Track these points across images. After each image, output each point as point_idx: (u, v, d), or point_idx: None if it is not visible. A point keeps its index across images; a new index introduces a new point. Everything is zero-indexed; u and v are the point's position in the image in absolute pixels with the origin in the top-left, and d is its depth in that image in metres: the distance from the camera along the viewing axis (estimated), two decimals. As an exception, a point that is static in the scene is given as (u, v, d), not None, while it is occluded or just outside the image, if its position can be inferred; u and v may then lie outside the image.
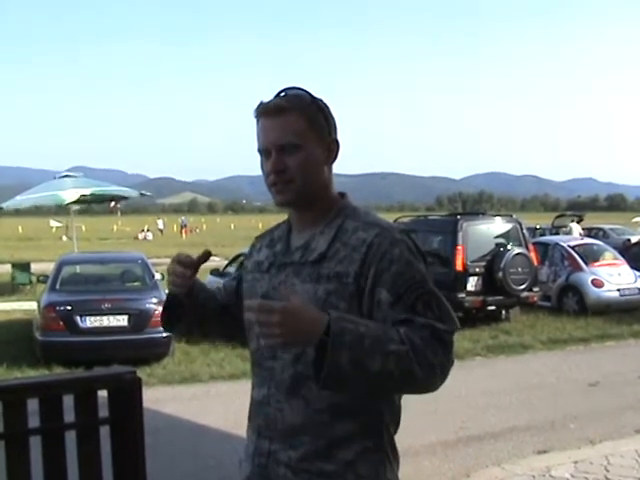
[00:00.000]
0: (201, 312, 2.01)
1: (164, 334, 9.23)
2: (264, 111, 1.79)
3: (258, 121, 1.82)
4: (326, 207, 1.83)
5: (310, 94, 1.83)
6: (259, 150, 1.83)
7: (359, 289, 1.71)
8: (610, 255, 14.31)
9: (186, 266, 1.90)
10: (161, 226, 59.43)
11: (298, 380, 1.74)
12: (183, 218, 64.12)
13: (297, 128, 1.76)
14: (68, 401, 2.61)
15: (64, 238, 40.93)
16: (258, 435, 1.84)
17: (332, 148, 1.84)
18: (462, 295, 11.70)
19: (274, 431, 1.79)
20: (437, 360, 1.59)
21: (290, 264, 1.82)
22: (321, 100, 1.84)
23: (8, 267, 19.05)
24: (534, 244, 13.50)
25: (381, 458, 1.78)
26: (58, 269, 10.20)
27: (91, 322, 9.07)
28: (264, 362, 1.84)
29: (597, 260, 13.89)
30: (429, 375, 1.59)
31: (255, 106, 1.82)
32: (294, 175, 1.77)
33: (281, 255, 1.86)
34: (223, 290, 2.09)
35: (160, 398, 7.29)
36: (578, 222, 23.62)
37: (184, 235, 53.52)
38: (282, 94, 1.82)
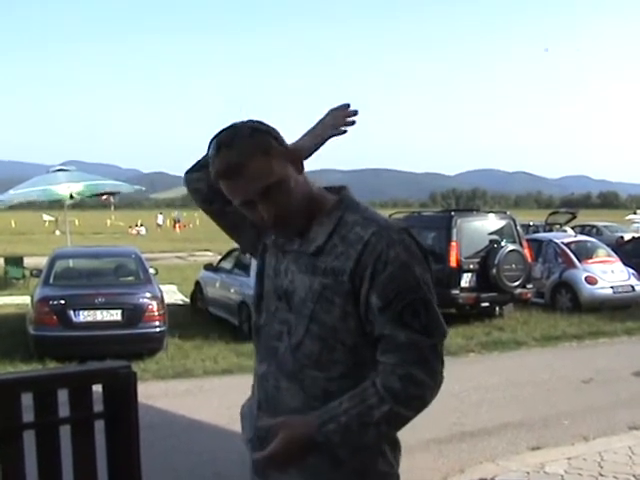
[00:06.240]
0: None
1: (158, 329, 9.22)
2: (222, 175, 1.72)
3: (218, 181, 1.75)
4: (315, 207, 1.80)
5: (247, 125, 1.74)
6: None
7: (354, 287, 1.71)
8: (603, 252, 14.34)
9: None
10: (160, 221, 59.07)
11: (297, 366, 1.78)
12: (176, 213, 63.89)
13: (262, 169, 1.69)
14: (62, 396, 2.60)
15: (57, 232, 40.83)
16: (259, 408, 1.89)
17: (294, 158, 1.78)
18: (456, 291, 11.72)
19: (273, 409, 1.82)
20: (423, 389, 1.67)
21: (290, 252, 1.84)
22: (255, 121, 1.76)
23: (1, 261, 18.96)
24: (528, 241, 13.51)
25: (372, 449, 1.77)
26: (52, 263, 10.17)
27: (84, 316, 9.04)
28: (269, 341, 1.86)
29: (590, 257, 13.93)
30: (420, 406, 1.70)
31: (212, 167, 1.74)
32: (286, 210, 1.73)
33: (282, 242, 1.88)
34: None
35: (153, 393, 7.26)
36: (571, 219, 23.74)
37: (178, 230, 53.08)
38: (220, 145, 1.71)
